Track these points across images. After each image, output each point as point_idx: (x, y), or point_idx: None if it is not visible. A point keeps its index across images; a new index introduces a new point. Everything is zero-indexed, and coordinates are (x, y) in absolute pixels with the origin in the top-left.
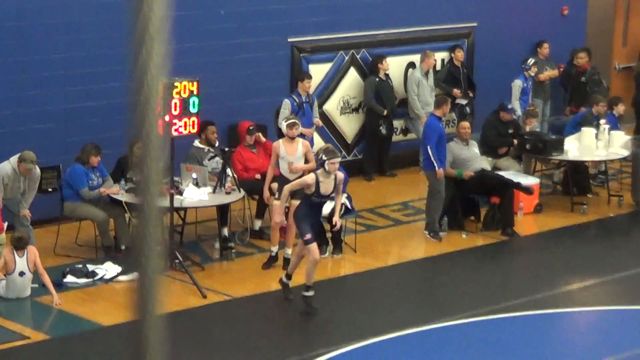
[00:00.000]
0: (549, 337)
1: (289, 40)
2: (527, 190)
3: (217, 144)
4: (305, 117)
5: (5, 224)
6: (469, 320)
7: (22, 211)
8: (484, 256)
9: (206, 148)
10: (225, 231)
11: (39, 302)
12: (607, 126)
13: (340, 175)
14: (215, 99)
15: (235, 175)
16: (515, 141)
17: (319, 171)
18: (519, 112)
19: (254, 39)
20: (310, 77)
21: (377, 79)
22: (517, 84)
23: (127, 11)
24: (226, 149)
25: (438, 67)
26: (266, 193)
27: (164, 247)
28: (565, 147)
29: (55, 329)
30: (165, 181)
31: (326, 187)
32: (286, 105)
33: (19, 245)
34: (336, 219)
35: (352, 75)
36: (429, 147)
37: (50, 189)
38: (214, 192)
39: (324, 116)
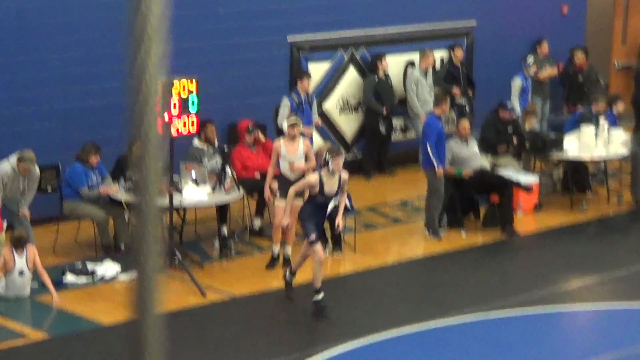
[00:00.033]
0: (548, 335)
1: (288, 39)
2: (527, 188)
3: (216, 143)
4: (304, 116)
5: (5, 223)
6: (468, 319)
7: (22, 210)
8: (484, 255)
9: (205, 147)
10: (225, 230)
11: (38, 301)
12: (606, 124)
13: (345, 175)
14: (215, 98)
15: (234, 174)
16: (515, 140)
17: (323, 171)
18: (518, 110)
19: (253, 38)
20: (309, 76)
21: (377, 78)
22: (517, 83)
23: (125, 11)
24: (225, 148)
25: (437, 66)
26: (267, 192)
27: (163, 246)
28: (565, 145)
29: (54, 328)
30: (164, 180)
31: (331, 186)
32: (285, 104)
33: (18, 244)
34: (339, 220)
35: (352, 74)
36: (428, 145)
37: (49, 189)
38: (213, 191)
39: (323, 115)
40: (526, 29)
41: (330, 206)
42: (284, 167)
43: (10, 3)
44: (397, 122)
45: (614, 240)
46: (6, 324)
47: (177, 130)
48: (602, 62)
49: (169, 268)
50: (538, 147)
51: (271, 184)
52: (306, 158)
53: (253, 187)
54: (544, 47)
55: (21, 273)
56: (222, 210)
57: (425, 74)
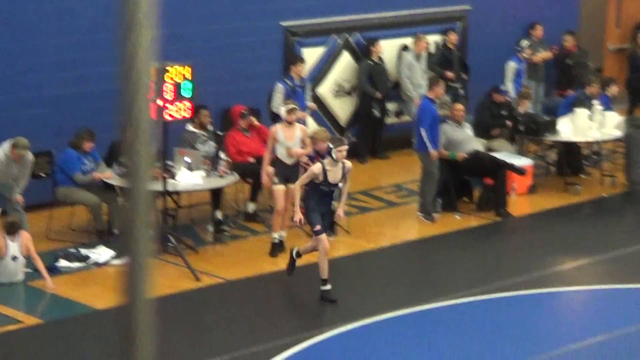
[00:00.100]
0: (542, 316)
1: (282, 24)
2: (520, 171)
3: (210, 128)
4: (298, 101)
5: None
6: (462, 301)
7: (15, 196)
8: (478, 237)
9: (199, 132)
10: (219, 214)
11: (32, 287)
12: (600, 107)
13: (349, 163)
14: (209, 83)
15: (228, 159)
16: (509, 123)
17: (326, 160)
18: (512, 93)
19: (247, 23)
20: (303, 61)
21: (371, 62)
22: (511, 66)
23: None
24: (219, 133)
25: (432, 50)
26: (265, 178)
27: (156, 231)
28: (559, 128)
29: (48, 313)
30: (156, 166)
31: (334, 175)
32: (279, 90)
33: (12, 230)
34: (340, 211)
35: (346, 58)
36: (422, 129)
37: (43, 174)
38: (207, 175)
39: (317, 100)
40: (520, 13)
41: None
42: (281, 153)
43: None
44: (391, 106)
45: (607, 222)
46: (0, 309)
47: (171, 115)
48: (596, 45)
49: (163, 253)
50: (532, 130)
51: (267, 170)
52: (302, 143)
53: (247, 171)
54: (538, 31)
55: (14, 259)
56: (216, 195)
57: (419, 58)
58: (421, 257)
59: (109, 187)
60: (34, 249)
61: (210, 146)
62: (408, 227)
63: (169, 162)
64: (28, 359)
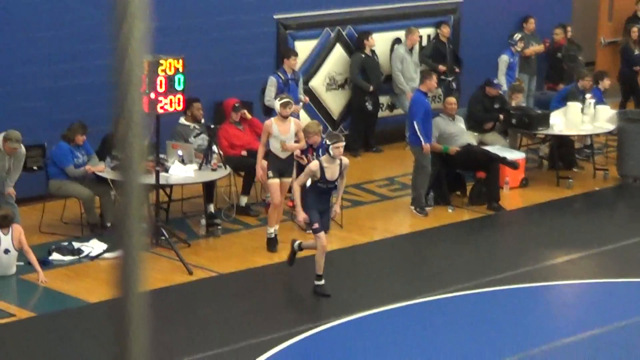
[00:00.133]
0: (534, 309)
1: (275, 17)
2: (513, 164)
3: (202, 121)
4: (291, 94)
5: None
6: (455, 294)
7: (7, 189)
8: (470, 230)
9: (192, 125)
10: (211, 208)
11: (24, 280)
12: (592, 100)
13: (346, 160)
14: (201, 76)
15: (221, 152)
16: (501, 116)
17: (323, 157)
18: (505, 87)
19: (240, 16)
20: (296, 54)
21: (363, 55)
22: (504, 59)
23: None
24: (212, 126)
25: (424, 43)
26: (259, 172)
27: (149, 224)
28: (551, 121)
29: (40, 306)
30: (149, 159)
31: (332, 172)
32: (272, 83)
33: (4, 223)
34: (337, 207)
35: (338, 51)
36: (415, 122)
37: (35, 167)
38: (199, 169)
39: (310, 93)
40: (513, 6)
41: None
42: (275, 147)
43: None
44: (383, 99)
45: (600, 215)
46: None
47: (163, 108)
48: (589, 39)
49: (156, 246)
50: (525, 124)
51: (262, 164)
52: (296, 137)
53: (240, 164)
54: (531, 24)
55: (7, 252)
56: (209, 188)
57: (411, 51)
58: (414, 251)
59: (101, 181)
60: (27, 242)
61: (202, 139)
62: (401, 221)
63: (162, 155)
64: (21, 352)
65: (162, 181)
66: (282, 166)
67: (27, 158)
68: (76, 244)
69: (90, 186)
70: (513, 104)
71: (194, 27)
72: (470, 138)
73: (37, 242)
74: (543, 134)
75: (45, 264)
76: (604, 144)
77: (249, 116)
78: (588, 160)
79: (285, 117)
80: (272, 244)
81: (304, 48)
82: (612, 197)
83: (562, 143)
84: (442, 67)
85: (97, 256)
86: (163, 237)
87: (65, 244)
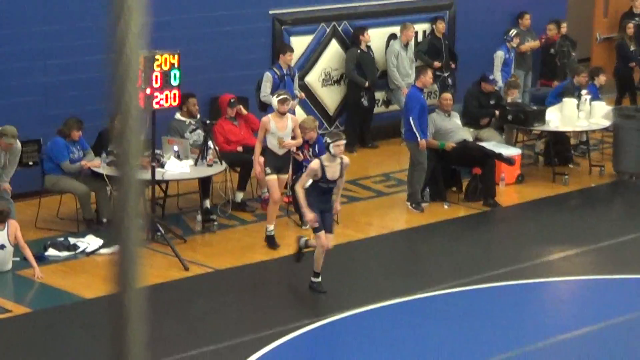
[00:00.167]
0: (530, 306)
1: (270, 12)
2: (509, 161)
3: (198, 117)
4: (286, 89)
5: None
6: (451, 291)
7: (3, 185)
8: (466, 227)
9: (187, 120)
10: (207, 203)
11: (20, 276)
12: (588, 97)
13: (346, 159)
14: (197, 71)
15: (216, 148)
16: (497, 112)
17: (324, 156)
18: (500, 83)
19: (235, 11)
20: (292, 50)
21: (359, 51)
22: (499, 55)
23: None
24: (207, 122)
25: (420, 39)
26: (257, 168)
27: (145, 220)
28: (547, 117)
29: (36, 302)
30: (145, 154)
31: (332, 171)
32: (268, 78)
33: (0, 218)
34: (337, 204)
35: (334, 47)
36: (411, 118)
37: (31, 163)
38: (195, 164)
39: (305, 88)
40: (508, 2)
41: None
42: (272, 143)
43: None
44: (379, 95)
45: (595, 212)
46: None
47: (159, 103)
48: (584, 35)
49: (151, 242)
50: (520, 120)
51: (260, 160)
52: (293, 133)
53: (235, 160)
54: (526, 20)
55: (2, 247)
56: (205, 184)
57: (406, 47)
58: (409, 247)
59: (97, 176)
60: (22, 237)
61: (198, 135)
62: (396, 217)
63: (157, 151)
64: (17, 348)
65: (157, 177)
66: (280, 163)
67: (23, 153)
68: (72, 240)
69: (86, 182)
70: (509, 100)
71: (189, 22)
72: (466, 134)
73: (32, 237)
74: (539, 130)
75: (41, 259)
76: (600, 140)
77: (244, 112)
78: (584, 156)
79: (282, 114)
80: (273, 241)
81: (300, 43)
82: (608, 193)
83: (558, 139)
84: (437, 64)
85: (93, 252)
86: (159, 233)
87: (61, 239)
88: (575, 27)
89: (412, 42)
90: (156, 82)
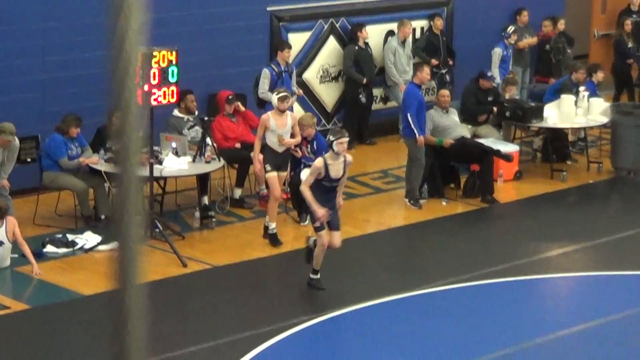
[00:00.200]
0: (528, 302)
1: (268, 9)
2: (507, 157)
3: (196, 113)
4: (284, 86)
5: None
6: (449, 287)
7: (1, 181)
8: (464, 223)
9: (185, 117)
10: (206, 200)
11: (18, 272)
12: (586, 93)
13: (349, 157)
14: (194, 68)
15: (215, 144)
16: (495, 109)
17: (327, 154)
18: (498, 79)
19: (233, 8)
20: (290, 47)
21: (357, 48)
22: (497, 52)
23: None
24: (205, 118)
25: (417, 36)
26: (257, 166)
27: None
28: (545, 114)
29: (35, 298)
30: (145, 150)
31: (336, 170)
32: (265, 75)
33: None
34: (339, 199)
35: (332, 43)
36: (409, 114)
37: (29, 159)
38: (193, 161)
39: (303, 85)
40: None
41: (306, 173)
42: (272, 141)
43: None
44: (377, 92)
45: (593, 208)
46: None
47: (157, 100)
48: (582, 31)
49: (150, 238)
50: (518, 116)
51: (259, 157)
52: (292, 130)
53: (233, 157)
54: (524, 16)
55: (1, 244)
56: (203, 181)
57: (403, 43)
58: (407, 244)
59: (95, 173)
60: (21, 234)
61: (196, 131)
62: (394, 213)
63: (155, 148)
64: (15, 344)
65: (156, 173)
66: (279, 160)
67: (21, 150)
68: (70, 236)
69: (84, 178)
70: (507, 96)
71: (187, 19)
72: (464, 131)
73: (31, 234)
74: (537, 127)
75: (39, 256)
76: (598, 137)
77: (242, 108)
78: (582, 153)
79: (282, 111)
80: (275, 239)
81: (298, 40)
82: (606, 189)
83: (556, 136)
84: (434, 61)
85: (91, 248)
86: (157, 230)
87: (59, 236)
88: (573, 23)
89: (410, 39)
90: (154, 79)
